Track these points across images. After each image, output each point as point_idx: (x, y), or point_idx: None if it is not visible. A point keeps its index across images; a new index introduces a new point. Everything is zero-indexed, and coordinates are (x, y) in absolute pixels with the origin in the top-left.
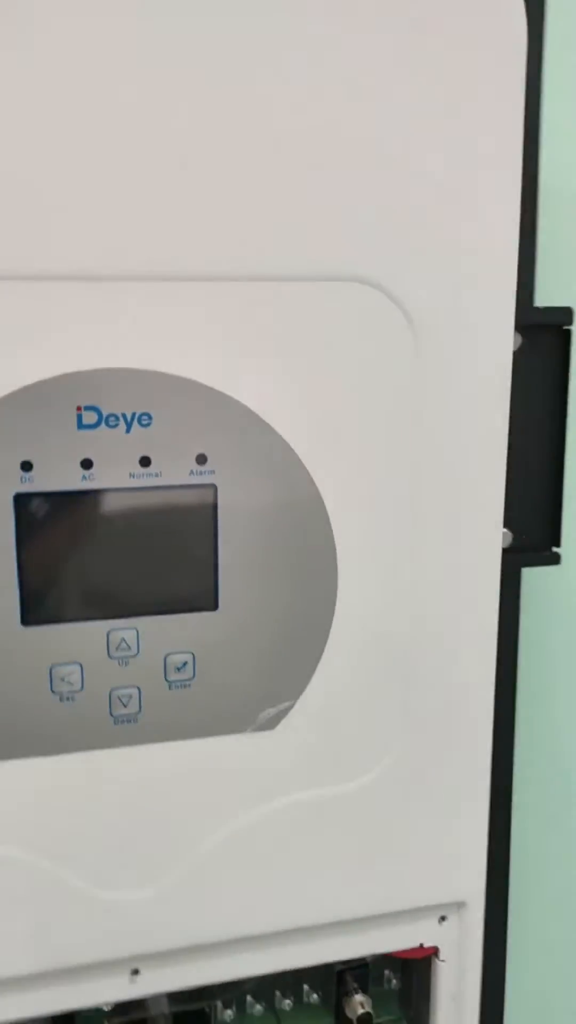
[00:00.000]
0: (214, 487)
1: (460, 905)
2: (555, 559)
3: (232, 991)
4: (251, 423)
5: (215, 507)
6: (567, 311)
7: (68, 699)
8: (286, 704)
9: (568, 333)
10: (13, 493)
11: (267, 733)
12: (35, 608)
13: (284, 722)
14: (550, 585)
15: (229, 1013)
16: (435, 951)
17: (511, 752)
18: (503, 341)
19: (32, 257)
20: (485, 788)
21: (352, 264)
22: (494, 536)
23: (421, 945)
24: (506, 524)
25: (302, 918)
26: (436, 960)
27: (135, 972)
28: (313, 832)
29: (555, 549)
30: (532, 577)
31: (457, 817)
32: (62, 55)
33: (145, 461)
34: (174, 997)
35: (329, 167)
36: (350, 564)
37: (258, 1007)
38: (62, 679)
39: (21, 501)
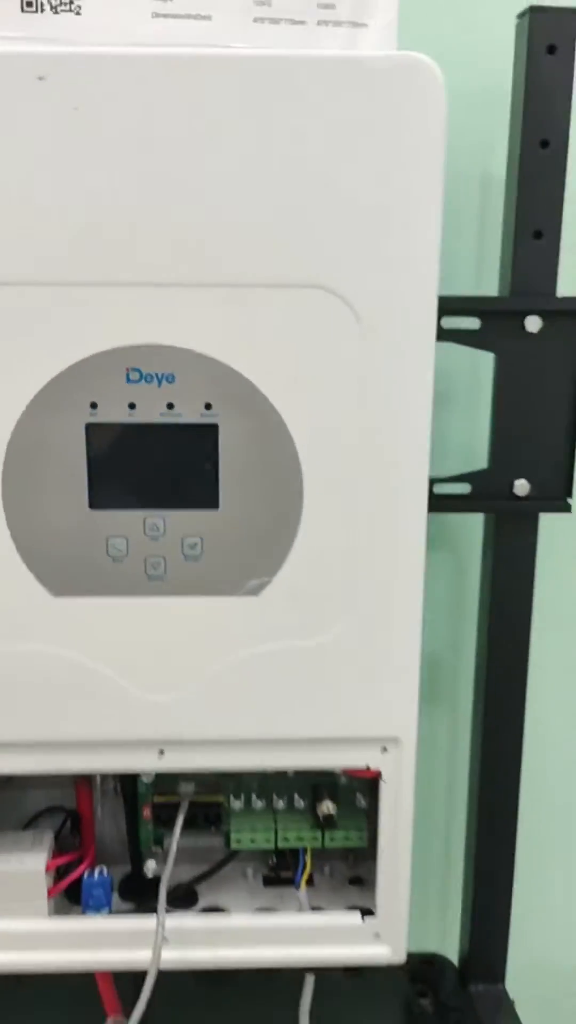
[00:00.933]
0: (216, 425)
1: (396, 740)
2: (567, 508)
3: (240, 788)
4: (242, 383)
5: (217, 438)
6: None
7: (118, 560)
8: (266, 578)
9: None
10: (84, 423)
11: (252, 598)
12: (98, 498)
13: (265, 591)
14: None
15: (238, 804)
16: (379, 774)
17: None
18: (427, 328)
19: (95, 270)
20: (415, 651)
21: (317, 277)
22: (421, 463)
23: (368, 767)
24: (527, 478)
25: (276, 731)
26: (380, 781)
27: (161, 752)
28: (283, 671)
29: (568, 500)
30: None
31: (394, 672)
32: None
33: (170, 406)
34: (198, 788)
35: (302, 209)
36: (313, 479)
37: (259, 803)
38: (114, 547)
39: (90, 429)
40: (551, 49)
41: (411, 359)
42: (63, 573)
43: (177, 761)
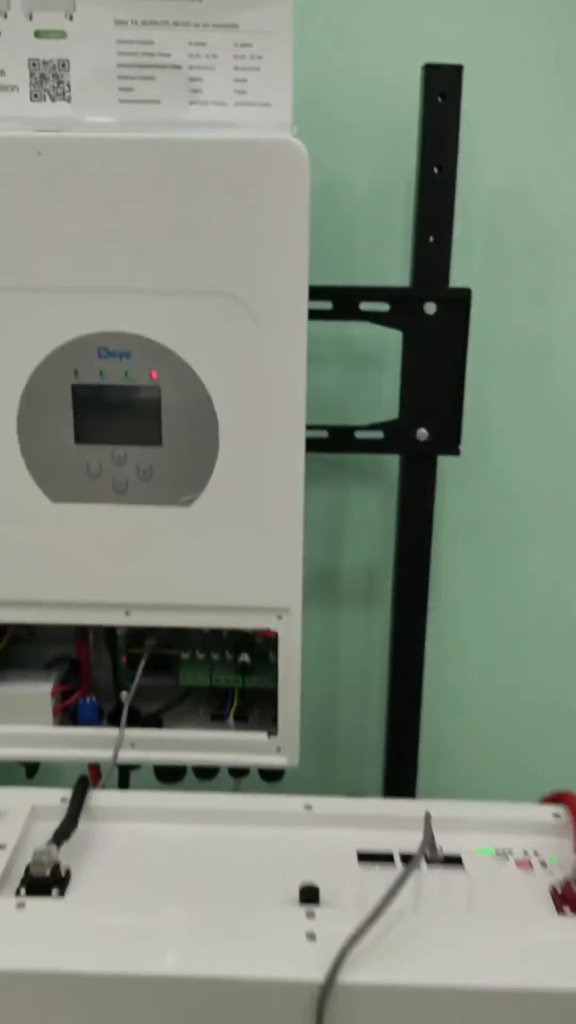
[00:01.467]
0: (159, 387)
1: (287, 610)
2: (457, 452)
3: (189, 644)
4: (176, 360)
5: (160, 397)
6: (467, 290)
7: (95, 478)
8: (195, 495)
9: (468, 303)
10: (71, 384)
11: (186, 508)
12: (81, 436)
13: (195, 504)
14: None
15: (186, 655)
16: (275, 634)
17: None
18: (299, 316)
19: (80, 280)
20: (299, 547)
21: (223, 287)
22: (299, 412)
23: (268, 629)
24: (427, 428)
25: (205, 600)
26: (278, 640)
27: (127, 612)
28: (208, 558)
29: (458, 445)
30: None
31: (286, 562)
32: None
33: (126, 374)
34: (158, 644)
35: (214, 242)
36: (226, 427)
37: (201, 655)
38: (92, 469)
39: (75, 389)
40: (442, 95)
41: (289, 338)
42: (58, 486)
43: (139, 619)
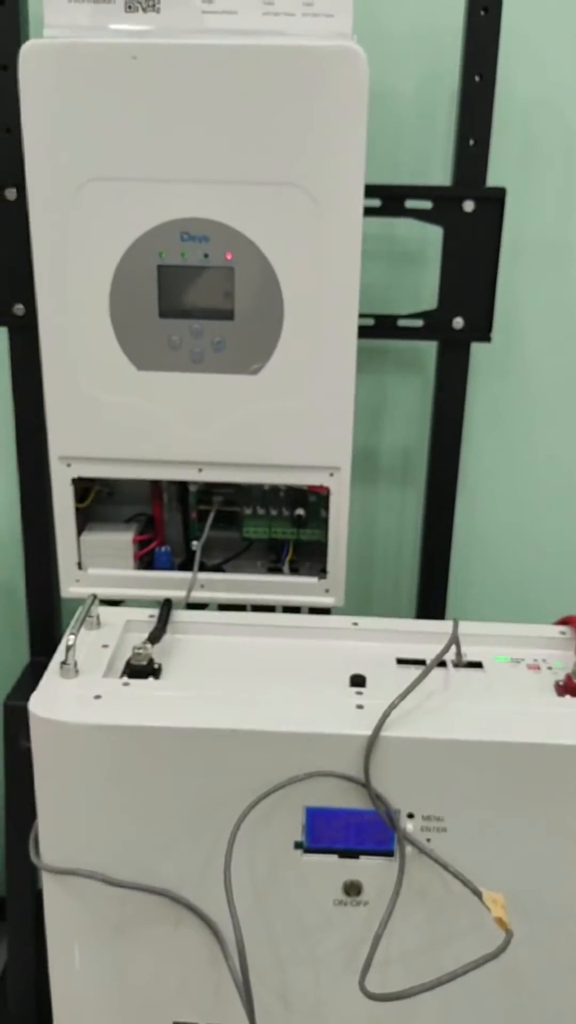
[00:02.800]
0: (233, 268)
1: (338, 468)
2: (488, 339)
3: (250, 502)
4: (249, 244)
5: (233, 276)
6: (502, 190)
7: (175, 349)
8: (263, 363)
9: (503, 202)
10: (156, 265)
11: (254, 376)
12: (165, 311)
13: (262, 371)
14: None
15: (248, 511)
16: (327, 490)
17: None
18: (354, 207)
19: (167, 171)
20: (350, 414)
21: (291, 178)
22: (352, 293)
23: (321, 485)
24: (462, 316)
25: (268, 459)
26: (329, 496)
27: (200, 469)
28: (273, 422)
29: (490, 333)
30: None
31: (339, 426)
32: None
33: (206, 255)
34: (224, 501)
35: (282, 140)
36: (290, 304)
37: (261, 511)
38: (173, 341)
39: (160, 269)
40: (485, 9)
41: (347, 226)
42: (143, 355)
43: (210, 476)
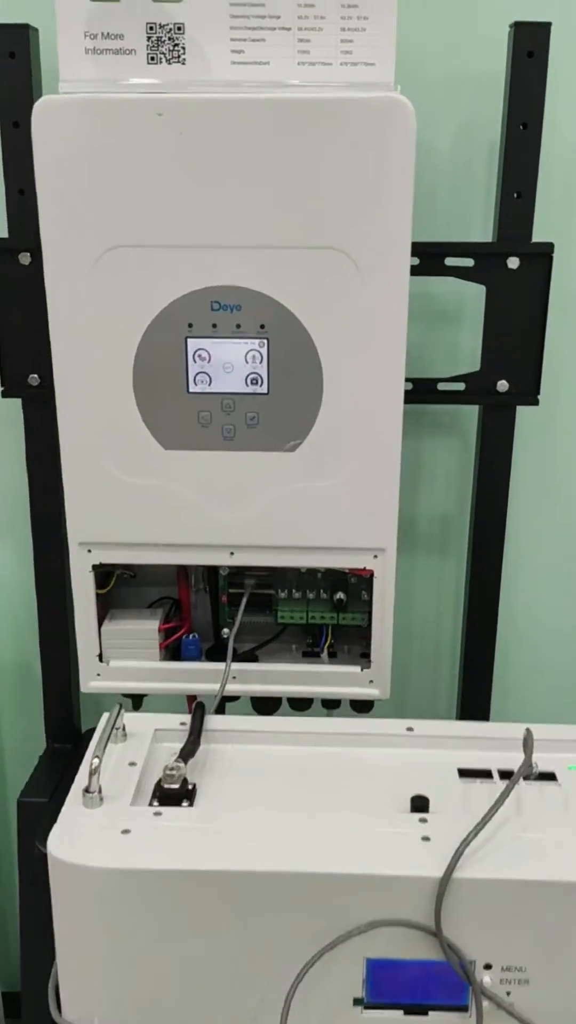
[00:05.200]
0: (268, 339)
1: (383, 550)
2: (536, 402)
3: (285, 584)
4: (285, 312)
5: (268, 348)
6: (549, 244)
7: (205, 426)
8: (300, 440)
9: (551, 257)
10: (184, 337)
11: (291, 453)
12: (193, 386)
13: (299, 449)
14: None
15: (283, 594)
16: (371, 573)
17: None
18: (400, 271)
19: (194, 237)
20: (395, 493)
21: (332, 242)
22: (399, 363)
23: (364, 568)
24: (507, 379)
25: (305, 541)
26: (373, 579)
27: (231, 553)
28: (310, 501)
29: (537, 396)
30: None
31: (383, 506)
32: None
33: (238, 326)
34: (257, 583)
35: (321, 199)
36: (330, 376)
37: (297, 594)
38: (203, 417)
39: (188, 341)
40: (530, 54)
41: (393, 291)
42: (171, 432)
43: (243, 559)
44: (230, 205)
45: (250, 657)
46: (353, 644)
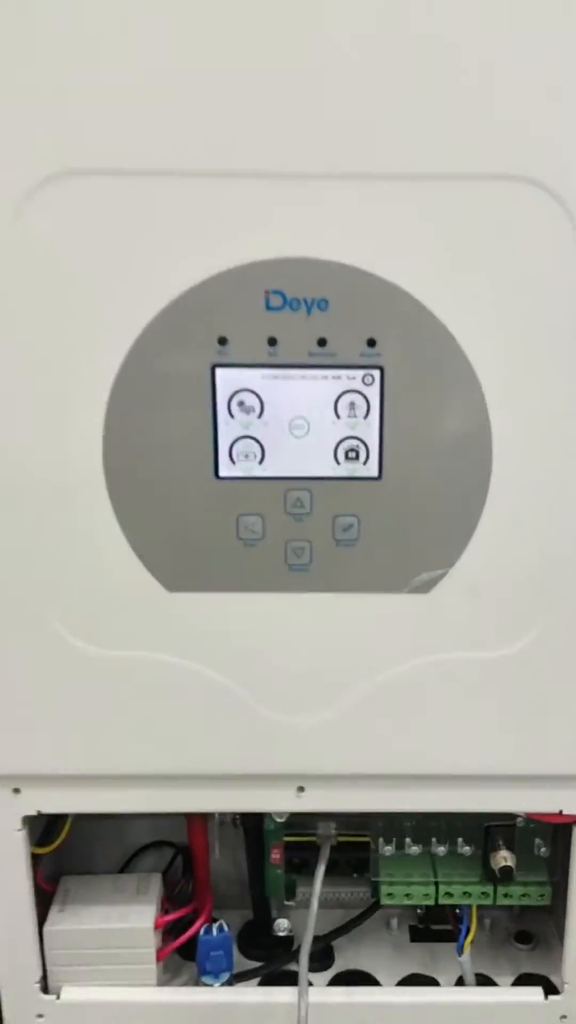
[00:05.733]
0: (382, 368)
1: None
2: None
3: (392, 829)
4: (418, 313)
5: (382, 383)
6: None
7: (251, 545)
8: (440, 571)
9: None
10: (211, 363)
11: (421, 596)
12: (227, 465)
13: (438, 588)
14: None
15: (389, 849)
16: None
17: None
18: None
19: (225, 155)
20: None
21: (520, 165)
22: None
23: (561, 812)
24: None
25: (444, 766)
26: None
27: (300, 789)
28: (456, 689)
29: None
30: None
31: None
32: None
33: (322, 342)
34: (341, 826)
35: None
36: (505, 450)
37: (414, 848)
38: (247, 527)
39: (218, 371)
40: None
41: None
42: (181, 562)
43: (320, 800)
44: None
45: (320, 953)
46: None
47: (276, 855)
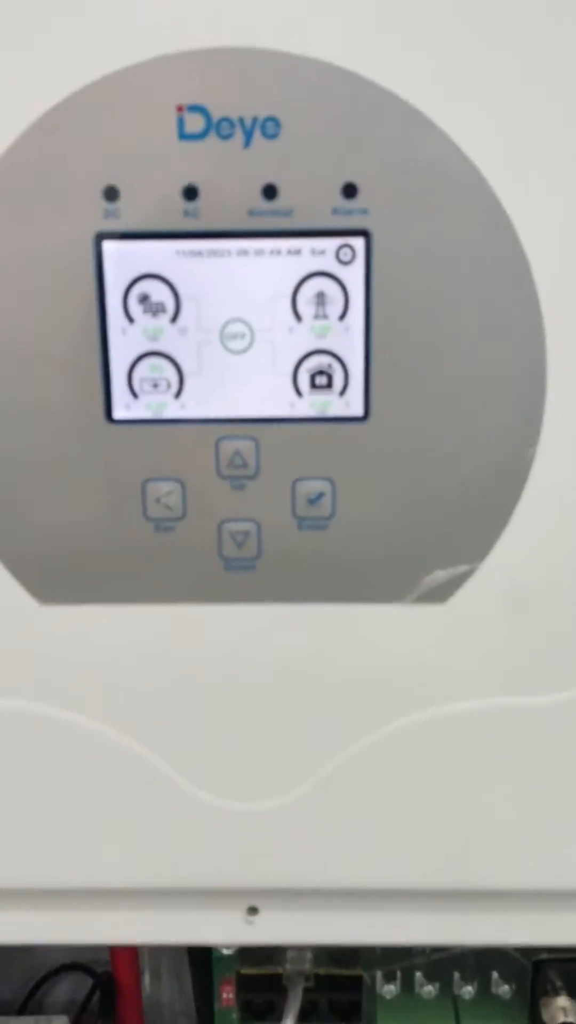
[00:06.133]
0: (366, 234)
1: None
2: None
3: (396, 962)
4: (425, 134)
5: (368, 265)
6: None
7: (164, 529)
8: (463, 568)
9: None
10: (94, 232)
11: (435, 606)
12: (125, 404)
13: (459, 593)
14: None
15: (391, 989)
16: None
17: None
18: None
19: None
20: None
21: None
22: None
23: None
24: None
25: (468, 877)
26: None
27: (252, 911)
28: (485, 758)
29: None
30: None
31: None
32: None
33: (269, 191)
34: (321, 955)
35: None
36: (566, 378)
37: (429, 988)
38: (158, 501)
39: (102, 239)
40: None
41: None
42: (57, 559)
43: (280, 928)
44: None
45: None
46: None
47: (228, 994)
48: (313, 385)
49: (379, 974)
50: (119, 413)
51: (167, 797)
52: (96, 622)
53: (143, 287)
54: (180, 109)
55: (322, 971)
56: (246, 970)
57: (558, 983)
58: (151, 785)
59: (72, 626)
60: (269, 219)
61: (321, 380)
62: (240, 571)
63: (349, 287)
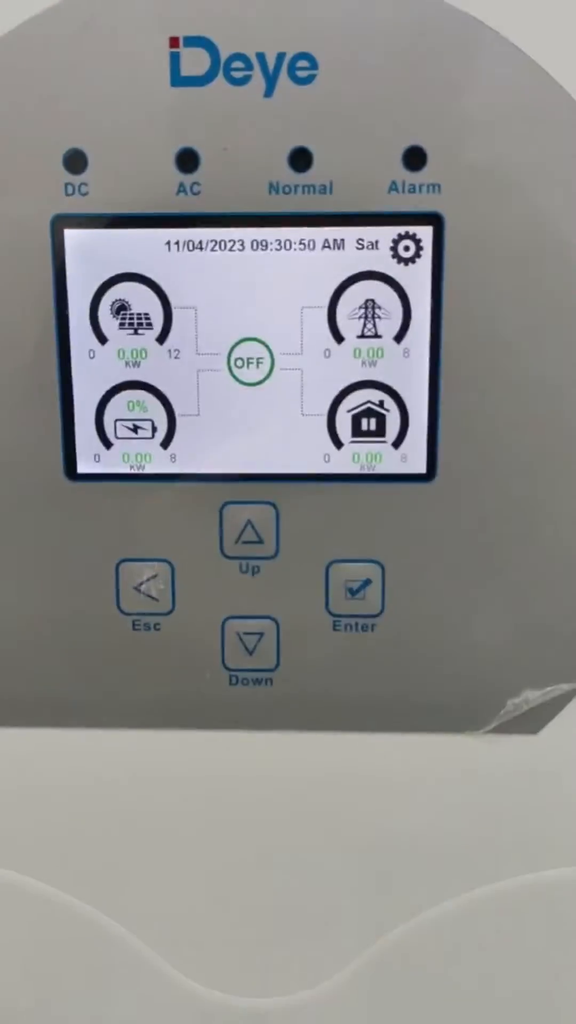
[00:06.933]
0: (439, 218)
1: None
2: None
3: None
4: (535, 88)
5: (438, 262)
6: None
7: (147, 626)
8: (563, 688)
9: None
10: (52, 214)
11: (524, 737)
12: (90, 452)
13: (556, 720)
14: None
15: None
16: None
17: None
18: None
19: None
20: None
21: None
22: None
23: None
24: None
25: None
26: None
27: None
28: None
29: None
30: None
31: None
32: None
33: (300, 159)
34: None
35: None
36: None
37: None
38: (137, 588)
39: (63, 226)
40: None
41: None
42: (6, 668)
43: None
44: None
45: None
46: None
47: None
48: (357, 431)
49: None
50: (84, 467)
51: (164, 997)
52: (51, 752)
53: (119, 292)
54: (175, 43)
55: None
56: None
57: None
58: (144, 982)
59: (15, 757)
60: (298, 198)
61: (369, 424)
62: (251, 686)
63: (411, 295)
